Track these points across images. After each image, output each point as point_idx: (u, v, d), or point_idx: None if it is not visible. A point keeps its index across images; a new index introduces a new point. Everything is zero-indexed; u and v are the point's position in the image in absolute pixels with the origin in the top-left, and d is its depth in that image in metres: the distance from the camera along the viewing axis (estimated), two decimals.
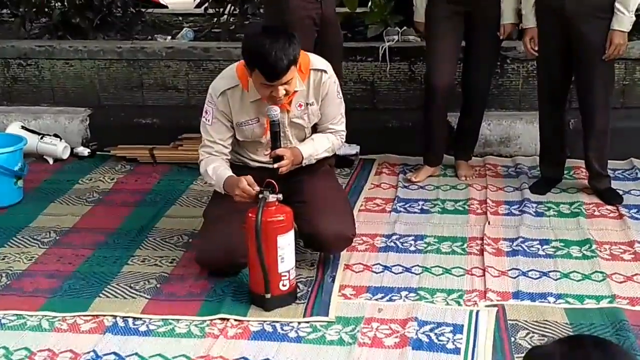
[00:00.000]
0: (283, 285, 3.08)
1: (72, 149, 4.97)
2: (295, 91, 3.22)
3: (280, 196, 3.04)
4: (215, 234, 3.29)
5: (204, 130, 3.33)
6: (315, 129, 3.44)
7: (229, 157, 3.36)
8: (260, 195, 3.01)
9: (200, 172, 3.40)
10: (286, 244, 3.04)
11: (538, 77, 4.21)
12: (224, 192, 3.21)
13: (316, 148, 3.38)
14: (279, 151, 3.16)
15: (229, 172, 3.23)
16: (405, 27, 5.05)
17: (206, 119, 3.30)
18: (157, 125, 5.06)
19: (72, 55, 5.21)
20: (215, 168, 3.26)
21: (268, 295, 3.05)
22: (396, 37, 5.01)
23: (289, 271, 3.08)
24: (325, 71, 3.29)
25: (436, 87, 4.21)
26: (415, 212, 4.01)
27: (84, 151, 4.97)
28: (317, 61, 3.28)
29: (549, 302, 3.12)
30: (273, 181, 3.03)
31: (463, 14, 4.15)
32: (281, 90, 3.07)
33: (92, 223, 3.97)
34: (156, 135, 4.94)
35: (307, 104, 3.31)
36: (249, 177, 3.10)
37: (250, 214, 3.01)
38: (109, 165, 4.78)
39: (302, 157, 3.32)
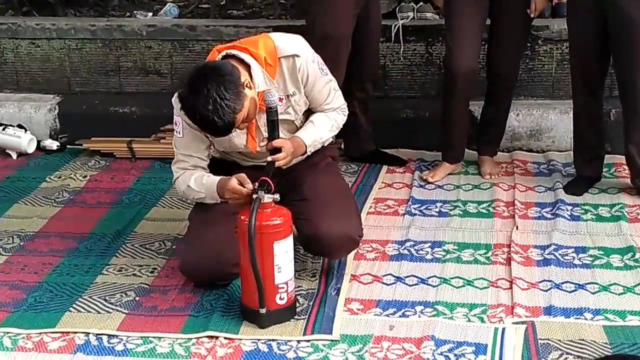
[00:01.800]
0: (280, 298, 3.08)
1: (38, 141, 4.97)
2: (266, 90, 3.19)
3: (277, 196, 3.04)
4: (202, 239, 3.29)
5: (176, 143, 3.34)
6: (311, 112, 3.43)
7: (207, 171, 3.35)
8: (255, 196, 3.00)
9: (180, 193, 3.42)
10: (284, 251, 3.04)
11: (571, 61, 4.21)
12: (220, 200, 3.22)
13: (319, 131, 3.38)
14: (276, 142, 3.14)
15: (218, 177, 3.23)
16: (421, 3, 5.05)
17: (177, 131, 3.30)
18: (136, 115, 5.07)
19: (38, 34, 5.22)
20: (198, 178, 3.27)
21: (263, 310, 3.05)
22: (411, 14, 5.01)
23: (287, 282, 3.09)
24: (297, 55, 3.25)
25: (457, 72, 4.21)
26: (432, 215, 4.02)
27: (53, 144, 4.97)
28: (284, 46, 3.24)
29: (586, 319, 3.12)
30: (268, 179, 3.03)
31: None
32: (241, 128, 3.13)
33: (61, 227, 3.97)
34: (135, 127, 4.95)
35: (287, 95, 3.29)
36: (242, 175, 3.11)
37: (242, 217, 3.01)
38: (81, 161, 4.78)
39: (306, 146, 3.32)
